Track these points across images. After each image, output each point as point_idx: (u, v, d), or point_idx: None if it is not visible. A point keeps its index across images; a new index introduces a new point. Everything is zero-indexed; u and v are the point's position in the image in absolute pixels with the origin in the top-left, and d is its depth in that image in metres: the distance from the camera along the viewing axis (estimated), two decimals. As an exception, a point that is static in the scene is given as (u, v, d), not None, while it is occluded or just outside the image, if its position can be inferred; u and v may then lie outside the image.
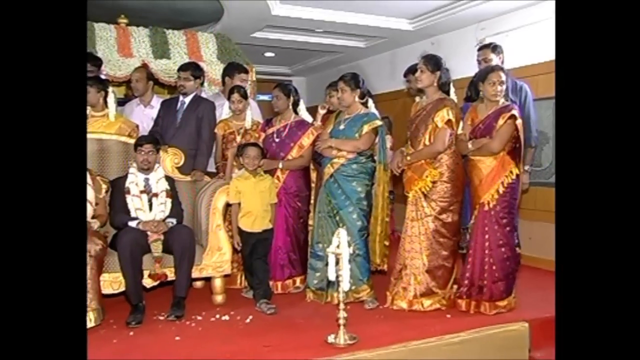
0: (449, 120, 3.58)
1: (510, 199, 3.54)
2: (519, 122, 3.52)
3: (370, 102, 4.01)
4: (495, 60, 4.15)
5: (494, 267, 3.55)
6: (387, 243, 4.09)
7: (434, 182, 3.61)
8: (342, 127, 3.89)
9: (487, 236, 3.55)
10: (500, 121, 3.50)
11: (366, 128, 3.80)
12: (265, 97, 6.85)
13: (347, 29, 6.69)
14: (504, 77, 3.54)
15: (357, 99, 3.87)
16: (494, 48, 4.25)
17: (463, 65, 4.96)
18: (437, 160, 3.63)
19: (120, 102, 5.06)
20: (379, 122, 3.85)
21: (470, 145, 3.56)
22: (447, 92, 3.72)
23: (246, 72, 4.75)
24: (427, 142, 3.64)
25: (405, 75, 4.84)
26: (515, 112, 3.52)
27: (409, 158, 3.70)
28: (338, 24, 6.42)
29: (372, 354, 2.97)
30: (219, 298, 3.84)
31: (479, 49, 4.36)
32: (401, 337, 3.14)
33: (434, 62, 3.67)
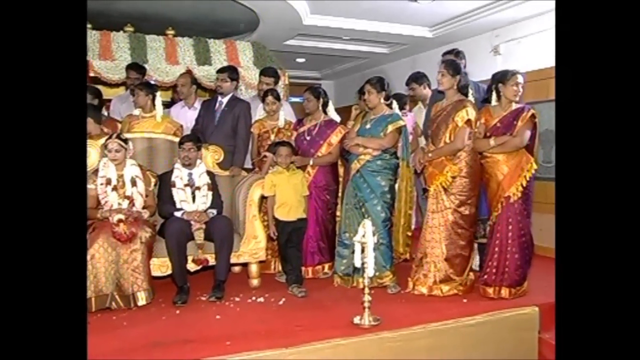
0: (469, 120, 3.53)
1: (529, 191, 3.52)
2: (537, 120, 3.52)
3: (395, 104, 3.97)
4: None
5: (516, 256, 3.51)
6: (409, 234, 4.07)
7: (453, 177, 3.56)
8: (368, 126, 3.87)
9: (510, 227, 3.51)
10: (521, 120, 3.48)
11: (390, 127, 3.78)
12: (297, 99, 6.86)
13: (371, 37, 6.65)
14: (522, 80, 3.53)
15: (382, 100, 3.84)
16: (457, 54, 4.28)
17: (479, 70, 4.89)
18: (456, 157, 3.58)
19: (167, 105, 5.12)
20: (402, 122, 3.82)
21: (492, 142, 3.51)
22: (466, 94, 3.67)
23: (269, 75, 4.73)
24: (447, 140, 3.60)
25: (407, 84, 4.81)
26: (533, 111, 3.50)
27: (430, 155, 3.66)
28: (363, 32, 6.38)
29: (395, 334, 2.95)
30: (254, 282, 3.85)
31: (444, 54, 4.34)
32: (421, 319, 3.11)
33: (454, 67, 3.64)
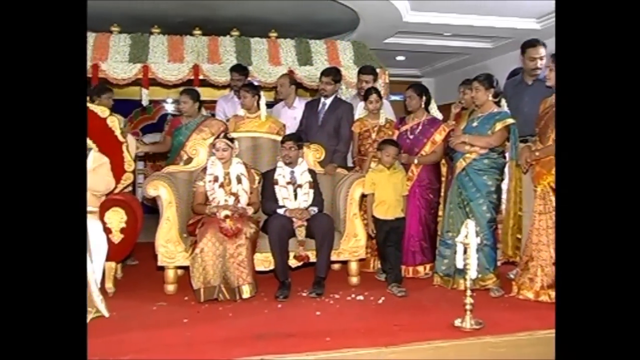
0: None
1: None
2: None
3: (503, 101, 3.81)
4: None
5: None
6: (519, 236, 3.91)
7: (562, 177, 3.37)
8: (475, 124, 3.75)
9: None
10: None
11: (499, 125, 3.63)
12: (397, 98, 6.80)
13: (474, 32, 6.45)
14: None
15: (490, 97, 3.71)
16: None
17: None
18: (566, 156, 3.38)
19: (271, 105, 5.28)
20: (511, 120, 3.66)
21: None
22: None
23: (367, 73, 4.72)
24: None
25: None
26: None
27: (537, 154, 3.47)
28: (466, 27, 6.21)
29: (498, 339, 2.83)
30: (354, 279, 3.86)
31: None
32: (527, 326, 2.96)
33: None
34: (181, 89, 5.80)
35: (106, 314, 3.07)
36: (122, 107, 4.54)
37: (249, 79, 5.10)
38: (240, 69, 5.04)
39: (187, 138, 4.40)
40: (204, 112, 4.91)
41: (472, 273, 2.93)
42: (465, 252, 2.96)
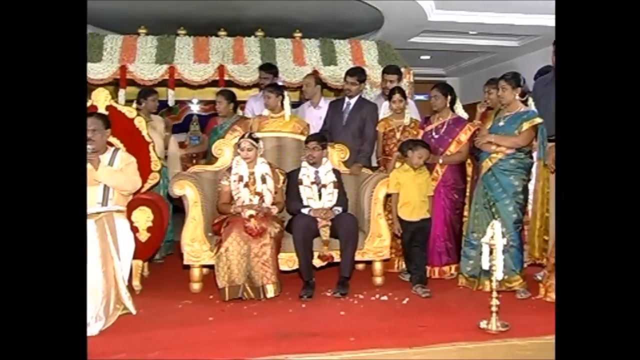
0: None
1: None
2: None
3: (530, 100, 3.76)
4: None
5: None
6: (546, 237, 3.85)
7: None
8: (501, 123, 3.70)
9: None
10: None
11: (526, 125, 3.57)
12: (421, 97, 6.75)
13: (501, 30, 6.37)
14: None
15: (517, 97, 3.66)
16: None
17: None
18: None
19: (295, 105, 5.29)
20: (538, 120, 3.60)
21: None
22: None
23: (391, 72, 4.70)
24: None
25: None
26: None
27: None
28: (492, 26, 6.13)
29: (525, 342, 2.79)
30: (378, 280, 3.85)
31: None
32: (554, 329, 2.91)
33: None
34: (206, 89, 5.90)
35: (133, 311, 3.12)
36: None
37: (277, 78, 5.10)
38: (268, 68, 5.05)
39: (221, 138, 4.45)
40: (239, 112, 4.95)
41: (498, 274, 2.90)
42: (491, 253, 2.93)
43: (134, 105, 4.54)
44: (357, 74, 4.56)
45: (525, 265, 3.76)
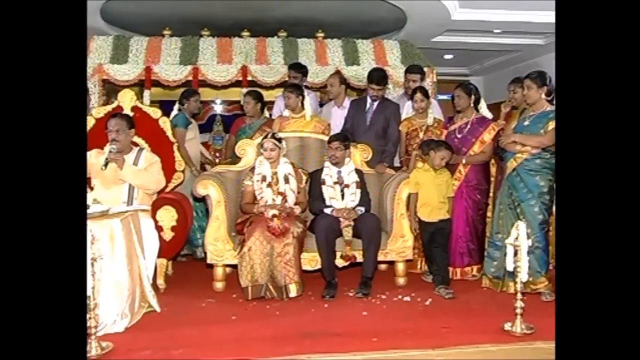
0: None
1: None
2: None
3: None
4: None
5: None
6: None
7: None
8: (526, 123, 3.65)
9: None
10: None
11: (552, 125, 3.50)
12: (445, 97, 6.70)
13: (525, 28, 6.28)
14: None
15: (543, 96, 3.60)
16: None
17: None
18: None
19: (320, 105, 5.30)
20: (565, 119, 3.56)
21: None
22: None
23: (414, 72, 4.68)
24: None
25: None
26: None
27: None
28: (517, 24, 6.05)
29: (550, 345, 2.73)
30: (401, 280, 3.83)
31: None
32: (581, 332, 2.87)
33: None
34: (230, 90, 5.94)
35: (158, 309, 3.16)
36: (172, 108, 4.69)
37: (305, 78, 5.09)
38: (297, 67, 5.03)
39: (249, 138, 4.47)
40: (266, 113, 4.97)
41: (523, 276, 2.86)
42: (515, 254, 2.89)
43: (177, 105, 4.60)
44: (383, 82, 4.54)
45: (550, 267, 3.70)
